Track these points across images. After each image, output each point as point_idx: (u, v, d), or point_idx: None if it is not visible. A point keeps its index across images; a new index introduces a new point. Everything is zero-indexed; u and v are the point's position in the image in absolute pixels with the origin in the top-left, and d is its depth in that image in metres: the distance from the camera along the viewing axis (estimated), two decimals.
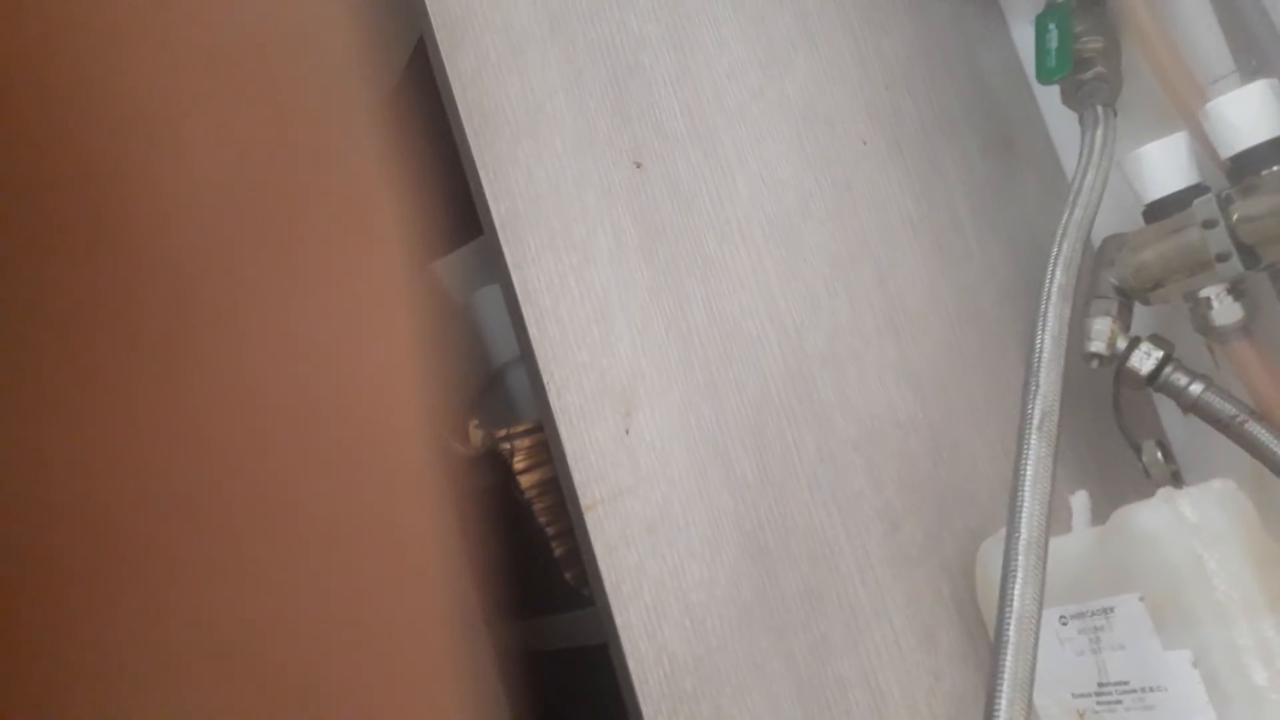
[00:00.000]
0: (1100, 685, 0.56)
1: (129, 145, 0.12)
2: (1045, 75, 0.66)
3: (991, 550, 0.62)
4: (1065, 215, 0.60)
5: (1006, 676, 0.45)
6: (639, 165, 0.64)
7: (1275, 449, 0.58)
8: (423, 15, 0.60)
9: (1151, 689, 0.53)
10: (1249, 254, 0.58)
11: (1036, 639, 0.47)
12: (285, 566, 0.13)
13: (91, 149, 0.12)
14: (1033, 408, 0.52)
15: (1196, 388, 0.61)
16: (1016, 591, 0.47)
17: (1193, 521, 0.52)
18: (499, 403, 0.73)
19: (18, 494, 0.11)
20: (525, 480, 0.62)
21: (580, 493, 0.57)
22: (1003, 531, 0.51)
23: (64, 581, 0.12)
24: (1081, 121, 0.66)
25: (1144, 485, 0.64)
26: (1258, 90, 0.59)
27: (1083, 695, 0.57)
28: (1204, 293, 0.62)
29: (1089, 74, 0.66)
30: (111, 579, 0.12)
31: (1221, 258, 0.59)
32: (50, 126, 0.11)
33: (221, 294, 0.13)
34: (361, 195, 0.15)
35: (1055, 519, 0.52)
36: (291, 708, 0.13)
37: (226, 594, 0.13)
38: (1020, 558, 0.48)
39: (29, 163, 0.11)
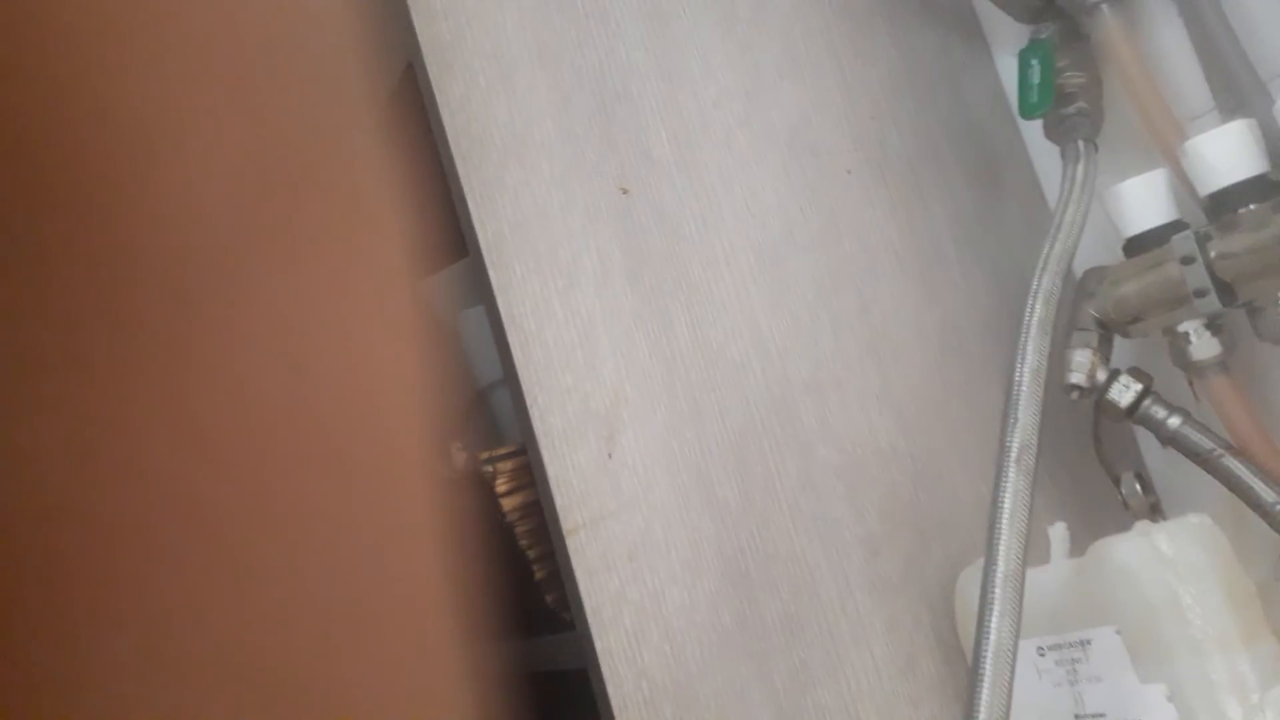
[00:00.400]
0: (1077, 717, 0.56)
1: (127, 147, 0.12)
2: (1028, 110, 0.67)
3: (970, 579, 0.63)
4: (1045, 249, 0.60)
5: (983, 710, 0.45)
6: (625, 191, 0.64)
7: (1251, 484, 0.59)
8: (412, 40, 0.61)
9: None
10: (1226, 291, 0.59)
11: (1013, 672, 0.47)
12: (283, 567, 0.13)
13: (90, 151, 0.12)
14: (1011, 441, 0.52)
15: (1175, 421, 0.62)
16: (993, 624, 0.48)
17: (1169, 556, 0.52)
18: (482, 425, 0.73)
19: (16, 493, 0.11)
20: (507, 503, 0.62)
21: (562, 517, 0.57)
22: (982, 560, 0.52)
23: (62, 580, 0.12)
24: (1063, 156, 0.67)
25: (1124, 516, 0.64)
26: (1236, 130, 0.60)
27: None
28: (1182, 327, 0.63)
29: (1071, 109, 0.67)
30: (110, 578, 0.12)
31: (1199, 294, 0.59)
32: (49, 128, 0.12)
33: (220, 295, 0.13)
34: (361, 199, 0.15)
35: (1034, 549, 0.52)
36: (288, 708, 0.13)
37: (224, 594, 0.13)
38: (997, 591, 0.48)
39: (28, 164, 0.11)
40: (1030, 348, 0.55)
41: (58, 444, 0.12)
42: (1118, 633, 0.53)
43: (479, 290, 0.60)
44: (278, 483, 0.13)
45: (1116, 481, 0.64)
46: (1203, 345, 0.62)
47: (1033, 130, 0.78)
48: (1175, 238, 0.61)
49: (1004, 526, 0.50)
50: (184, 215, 0.12)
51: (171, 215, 0.12)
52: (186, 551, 0.12)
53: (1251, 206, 0.59)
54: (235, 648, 0.13)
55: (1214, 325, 0.63)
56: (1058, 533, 0.59)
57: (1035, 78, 0.67)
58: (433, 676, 0.15)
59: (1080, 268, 0.68)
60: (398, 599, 0.15)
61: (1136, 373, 0.64)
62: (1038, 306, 0.57)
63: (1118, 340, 0.67)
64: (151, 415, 0.12)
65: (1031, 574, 0.51)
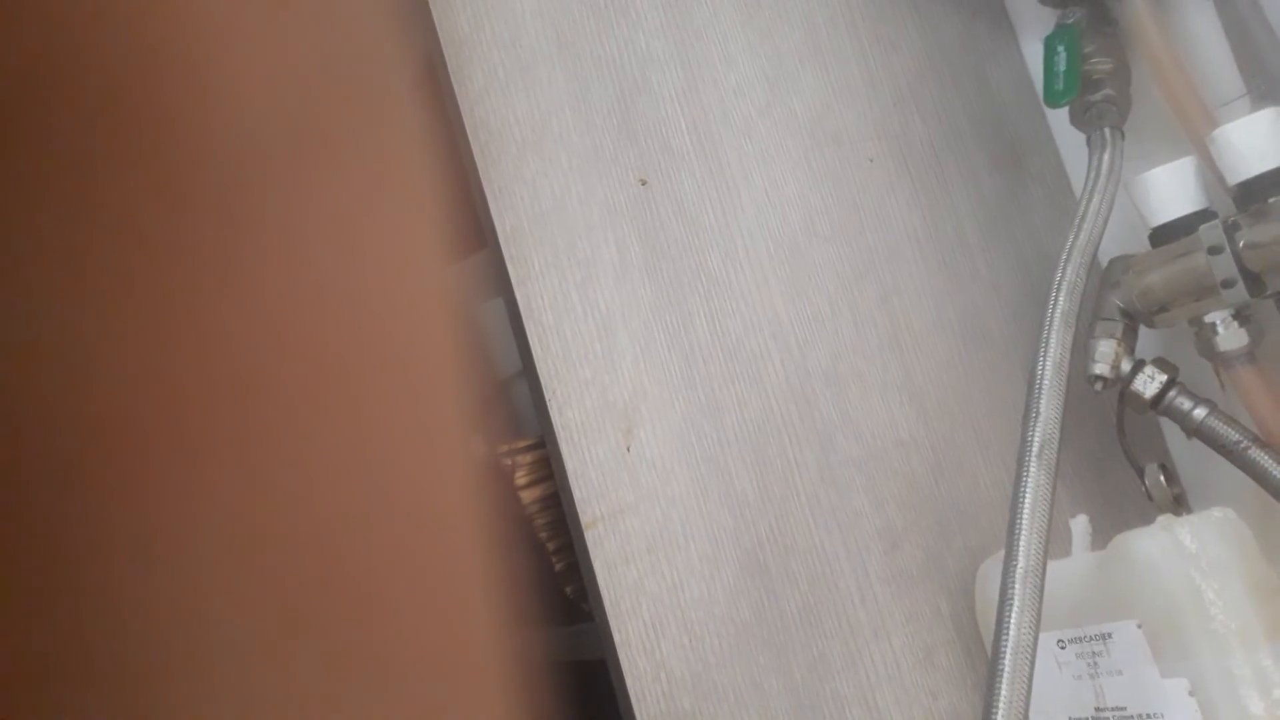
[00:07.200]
0: (1097, 710, 0.56)
1: (178, 44, 0.12)
2: (1054, 98, 0.66)
3: (990, 570, 0.62)
4: (1070, 239, 0.59)
5: (1001, 706, 0.45)
6: (644, 182, 0.64)
7: (1278, 476, 0.58)
8: (431, 32, 0.61)
9: (1148, 716, 0.53)
10: (1255, 281, 0.58)
11: (1032, 668, 0.47)
12: (339, 447, 0.13)
13: (141, 48, 0.12)
14: (1033, 435, 0.52)
15: (1200, 412, 0.61)
16: (1013, 620, 0.47)
17: (1191, 550, 0.52)
18: (503, 417, 0.73)
19: (91, 365, 0.12)
20: (527, 495, 0.62)
21: (581, 510, 0.57)
22: (1002, 552, 0.51)
23: (138, 445, 0.12)
24: (1089, 143, 0.66)
25: (1147, 508, 0.64)
26: (1267, 117, 0.59)
27: None
28: (1209, 318, 0.62)
29: (1098, 96, 0.66)
30: (179, 445, 0.12)
31: (1227, 284, 0.58)
32: (100, 28, 0.12)
33: (271, 196, 0.13)
34: (399, 129, 0.15)
35: (1055, 541, 0.52)
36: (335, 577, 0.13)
37: (283, 467, 0.13)
38: (1017, 586, 0.48)
39: (78, 63, 0.12)
40: (1053, 340, 0.54)
41: (124, 317, 0.12)
42: (1139, 626, 0.53)
43: (497, 283, 0.60)
44: (335, 359, 0.13)
45: (1140, 473, 0.63)
46: (1230, 336, 0.61)
47: (1058, 117, 0.77)
48: (1203, 227, 0.60)
49: (1024, 522, 0.49)
50: (232, 111, 0.13)
51: (220, 111, 0.12)
52: (247, 425, 0.13)
53: None
54: (290, 523, 0.13)
55: (1241, 316, 0.62)
56: (1079, 525, 0.59)
57: (1062, 64, 0.66)
58: (480, 639, 0.15)
59: (1105, 256, 0.67)
60: (451, 501, 0.15)
61: (1162, 363, 0.63)
62: (1061, 298, 0.56)
63: (1143, 330, 0.66)
64: (212, 288, 0.12)
65: (1052, 566, 0.51)
